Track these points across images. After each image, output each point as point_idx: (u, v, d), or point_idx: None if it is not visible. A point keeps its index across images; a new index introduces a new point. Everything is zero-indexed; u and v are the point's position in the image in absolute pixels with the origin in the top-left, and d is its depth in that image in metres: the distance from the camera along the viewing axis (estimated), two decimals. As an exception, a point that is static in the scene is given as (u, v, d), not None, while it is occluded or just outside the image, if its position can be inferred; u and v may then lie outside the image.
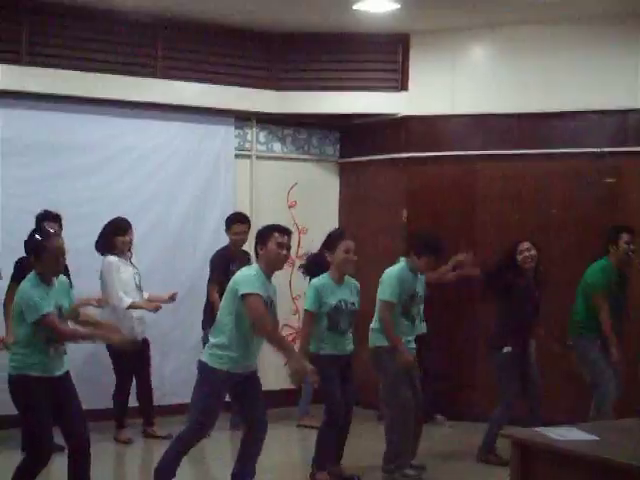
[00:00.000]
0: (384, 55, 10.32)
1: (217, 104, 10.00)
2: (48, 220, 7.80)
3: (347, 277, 7.38)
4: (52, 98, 9.20)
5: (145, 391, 8.83)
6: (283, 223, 9.21)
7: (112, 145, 9.57)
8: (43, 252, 6.04)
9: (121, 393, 8.72)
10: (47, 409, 5.98)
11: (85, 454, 6.14)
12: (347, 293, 7.30)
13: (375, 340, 7.49)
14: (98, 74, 9.35)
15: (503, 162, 9.77)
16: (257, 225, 8.64)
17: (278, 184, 10.56)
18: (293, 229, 10.31)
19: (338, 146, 10.99)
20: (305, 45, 10.32)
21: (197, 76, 9.91)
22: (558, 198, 9.53)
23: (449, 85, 10.05)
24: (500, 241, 9.00)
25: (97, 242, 8.64)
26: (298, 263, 9.24)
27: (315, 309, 7.19)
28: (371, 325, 7.54)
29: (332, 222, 10.29)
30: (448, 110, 10.05)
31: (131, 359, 8.54)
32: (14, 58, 9.04)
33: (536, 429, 5.88)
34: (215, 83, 9.97)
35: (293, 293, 10.39)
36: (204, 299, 9.01)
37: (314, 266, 7.79)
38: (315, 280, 7.31)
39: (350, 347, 7.40)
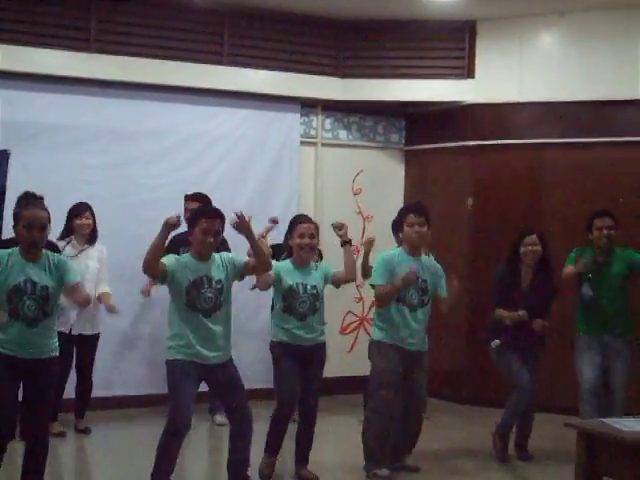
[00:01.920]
0: (450, 42, 10.25)
1: (283, 91, 10.02)
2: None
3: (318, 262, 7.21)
4: (121, 85, 9.29)
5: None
6: (348, 210, 9.28)
7: (180, 132, 9.65)
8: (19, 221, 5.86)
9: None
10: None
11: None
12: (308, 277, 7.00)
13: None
14: (166, 61, 9.42)
15: (571, 150, 9.67)
16: (322, 212, 8.73)
17: (343, 171, 10.55)
18: (358, 217, 10.39)
19: (404, 133, 10.94)
20: (371, 32, 10.29)
21: (263, 63, 9.92)
22: (626, 187, 9.42)
23: (517, 72, 9.97)
24: (567, 230, 8.94)
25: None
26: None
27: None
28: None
29: (397, 210, 10.27)
30: (516, 98, 9.96)
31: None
32: (82, 45, 9.13)
33: (603, 420, 5.83)
34: (281, 70, 9.99)
35: (356, 281, 10.37)
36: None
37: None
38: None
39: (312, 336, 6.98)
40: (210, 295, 6.16)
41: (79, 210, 8.25)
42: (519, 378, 7.68)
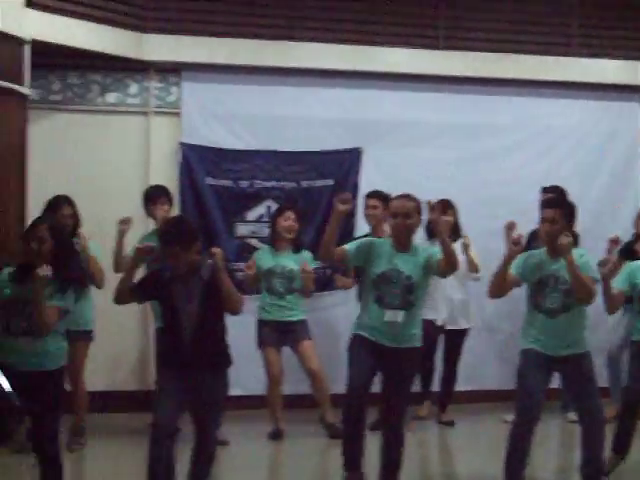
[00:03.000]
0: None
1: (635, 81, 9.69)
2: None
3: None
4: (469, 80, 9.33)
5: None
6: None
7: (528, 126, 9.54)
8: None
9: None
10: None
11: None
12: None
13: None
14: (512, 55, 9.37)
15: None
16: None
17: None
18: None
19: None
20: None
21: (614, 53, 9.63)
22: None
23: None
24: None
25: None
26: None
27: None
28: None
29: None
30: None
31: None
32: (431, 43, 9.28)
33: None
34: (633, 59, 9.65)
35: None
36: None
37: None
38: None
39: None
40: (556, 295, 6.03)
41: None
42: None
